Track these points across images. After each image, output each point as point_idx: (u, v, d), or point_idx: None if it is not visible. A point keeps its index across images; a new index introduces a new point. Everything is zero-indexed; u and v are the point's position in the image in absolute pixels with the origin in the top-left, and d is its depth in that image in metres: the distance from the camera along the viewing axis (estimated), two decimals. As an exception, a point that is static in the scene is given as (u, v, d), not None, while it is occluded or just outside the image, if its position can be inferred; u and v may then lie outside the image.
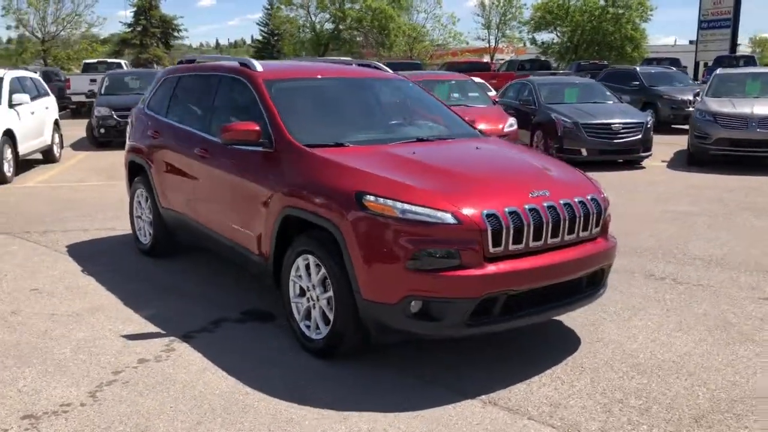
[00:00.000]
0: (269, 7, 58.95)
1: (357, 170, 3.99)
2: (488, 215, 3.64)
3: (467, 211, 3.64)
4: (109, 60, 32.85)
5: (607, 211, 4.25)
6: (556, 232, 3.86)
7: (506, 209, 3.70)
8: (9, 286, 5.53)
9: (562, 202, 3.91)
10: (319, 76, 5.34)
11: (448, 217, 3.62)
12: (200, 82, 5.67)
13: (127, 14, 53.76)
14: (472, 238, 3.61)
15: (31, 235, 7.19)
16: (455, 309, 3.62)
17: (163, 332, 4.55)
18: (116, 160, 11.47)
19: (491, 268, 3.64)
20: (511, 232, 3.68)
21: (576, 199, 4.00)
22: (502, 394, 3.71)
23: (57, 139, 13.68)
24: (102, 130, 16.11)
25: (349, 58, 6.31)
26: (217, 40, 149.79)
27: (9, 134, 11.04)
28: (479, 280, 3.61)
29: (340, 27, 50.69)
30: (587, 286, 4.18)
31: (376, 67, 5.88)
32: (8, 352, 4.23)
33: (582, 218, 3.99)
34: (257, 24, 53.13)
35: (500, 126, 11.04)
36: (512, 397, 3.68)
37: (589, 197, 4.10)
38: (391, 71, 5.78)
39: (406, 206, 3.65)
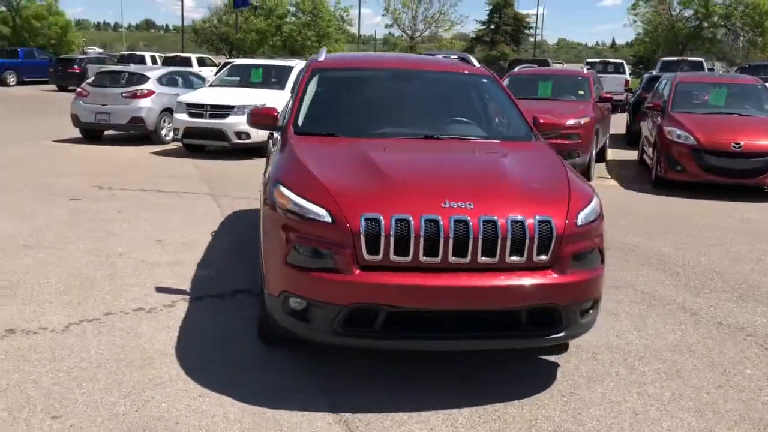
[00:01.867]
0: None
1: (298, 161, 3.94)
2: (368, 219, 3.32)
3: (346, 212, 3.36)
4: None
5: (569, 238, 3.47)
6: (462, 250, 3.33)
7: (394, 216, 3.32)
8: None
9: (483, 218, 3.34)
10: (372, 67, 5.26)
11: (324, 215, 3.40)
12: None
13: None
14: (344, 240, 3.33)
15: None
16: (322, 313, 3.40)
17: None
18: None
19: (363, 277, 3.32)
20: (392, 240, 3.30)
21: (509, 218, 3.37)
22: (367, 417, 3.38)
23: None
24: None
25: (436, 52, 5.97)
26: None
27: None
28: (346, 287, 3.33)
29: (704, 24, 45.87)
30: (533, 324, 3.49)
31: (464, 59, 5.54)
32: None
33: (510, 240, 3.35)
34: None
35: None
36: (375, 422, 3.33)
37: (536, 218, 3.41)
38: (477, 65, 5.37)
39: (297, 199, 3.52)
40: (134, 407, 3.39)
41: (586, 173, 10.70)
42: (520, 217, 3.40)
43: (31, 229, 6.65)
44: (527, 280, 3.39)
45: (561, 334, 3.56)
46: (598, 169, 11.76)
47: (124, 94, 13.79)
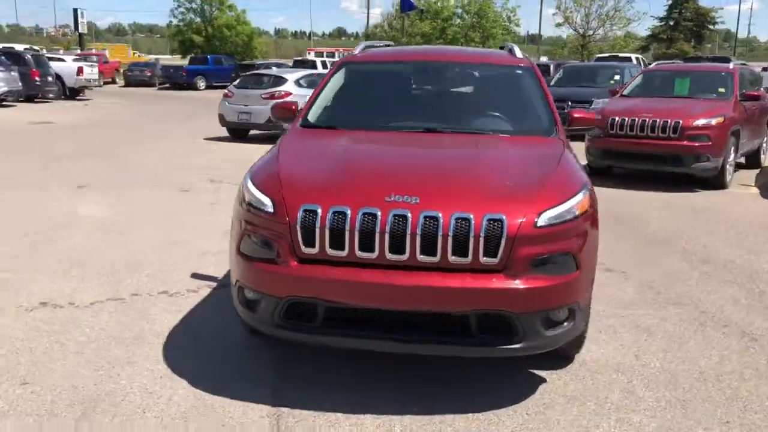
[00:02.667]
0: None
1: (276, 154, 3.93)
2: (306, 210, 3.23)
3: (287, 202, 3.30)
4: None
5: (525, 240, 3.14)
6: (399, 247, 3.13)
7: (332, 208, 3.20)
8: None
9: (424, 214, 3.13)
10: (401, 60, 5.11)
11: (268, 205, 3.36)
12: None
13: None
14: (282, 231, 3.27)
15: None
16: (265, 305, 3.35)
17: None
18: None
19: (299, 270, 3.24)
20: (327, 233, 3.18)
21: (454, 215, 3.12)
22: (302, 414, 3.29)
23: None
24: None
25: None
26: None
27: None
28: (283, 280, 3.27)
29: None
30: (484, 332, 3.21)
31: (510, 51, 5.21)
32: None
33: (452, 239, 3.10)
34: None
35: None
36: (307, 419, 3.24)
37: (485, 217, 3.13)
38: (519, 56, 5.03)
39: (253, 189, 3.52)
40: (95, 381, 3.56)
41: (718, 180, 9.66)
42: (465, 215, 3.13)
43: (121, 215, 7.25)
44: (471, 283, 3.11)
45: (517, 346, 3.23)
46: (745, 177, 10.54)
47: (263, 96, 14.59)
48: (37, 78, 24.86)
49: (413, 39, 41.28)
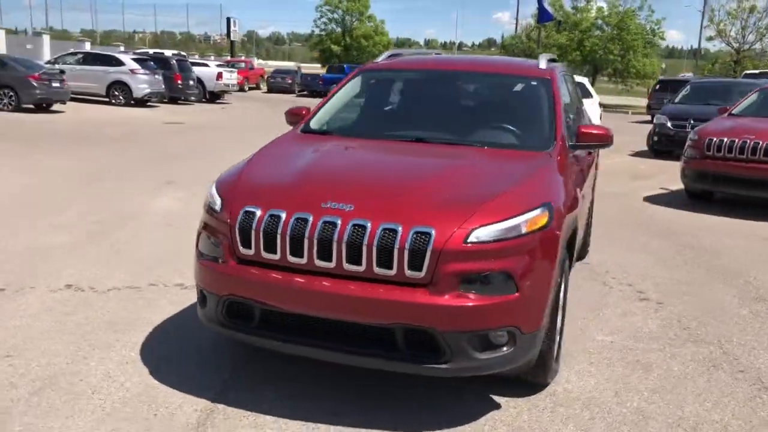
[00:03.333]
0: None
1: (253, 156, 4.01)
2: (246, 211, 3.28)
3: (231, 203, 3.38)
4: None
5: (452, 255, 3.01)
6: (327, 254, 3.10)
7: (270, 211, 3.23)
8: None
9: (353, 222, 3.08)
10: (417, 68, 5.03)
11: (217, 204, 3.45)
12: None
13: None
14: (225, 231, 3.35)
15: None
16: (210, 302, 3.44)
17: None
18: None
19: (236, 270, 3.29)
20: (261, 235, 3.21)
21: (382, 225, 3.05)
22: (234, 413, 3.34)
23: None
24: (656, 138, 16.32)
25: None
26: None
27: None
28: (221, 278, 3.35)
29: None
30: (411, 348, 3.11)
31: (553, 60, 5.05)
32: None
33: (377, 249, 3.03)
34: None
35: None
36: (234, 417, 3.28)
37: (413, 229, 3.03)
38: (543, 67, 4.81)
39: (212, 189, 3.63)
40: (68, 360, 3.80)
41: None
42: (393, 225, 3.05)
43: (190, 210, 7.62)
44: (394, 296, 3.02)
45: (444, 366, 3.09)
46: None
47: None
48: (179, 81, 26.85)
49: (548, 50, 40.31)
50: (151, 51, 35.40)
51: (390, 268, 3.04)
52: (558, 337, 3.90)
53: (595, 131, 4.27)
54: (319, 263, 3.13)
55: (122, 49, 37.92)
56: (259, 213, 3.24)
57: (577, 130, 4.29)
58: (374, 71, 5.12)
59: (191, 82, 27.55)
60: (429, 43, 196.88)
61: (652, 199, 10.04)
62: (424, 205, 3.20)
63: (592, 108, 14.38)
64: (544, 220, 3.25)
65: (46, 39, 32.39)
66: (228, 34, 55.37)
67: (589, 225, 6.04)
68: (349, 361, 3.23)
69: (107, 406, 3.36)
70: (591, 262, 6.29)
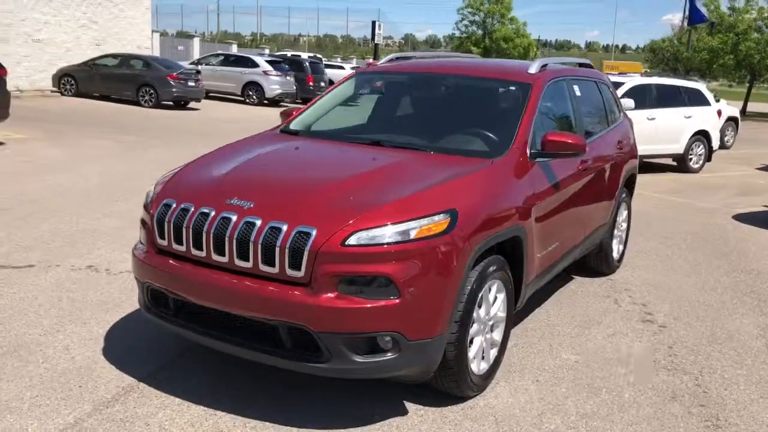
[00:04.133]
0: None
1: (203, 155, 4.23)
2: (164, 204, 3.49)
3: (155, 195, 3.60)
4: None
5: (330, 257, 3.03)
6: (220, 249, 3.24)
7: (182, 204, 3.43)
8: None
9: (246, 219, 3.20)
10: (406, 71, 5.00)
11: (148, 198, 3.68)
12: None
13: None
14: (149, 222, 3.58)
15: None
16: (138, 289, 3.70)
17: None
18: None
19: (152, 260, 3.52)
20: (172, 227, 3.41)
21: (270, 223, 3.14)
22: (150, 393, 3.57)
23: (700, 150, 13.61)
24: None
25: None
26: None
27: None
28: (142, 267, 3.58)
29: None
30: (295, 344, 3.18)
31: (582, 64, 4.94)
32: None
33: (262, 246, 3.13)
34: None
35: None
36: (148, 397, 3.51)
37: (296, 228, 3.09)
38: (532, 72, 4.62)
39: (154, 183, 3.87)
40: (42, 333, 4.20)
41: None
42: (279, 224, 3.12)
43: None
44: (275, 294, 3.10)
45: (323, 366, 3.12)
46: None
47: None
48: (311, 83, 28.05)
49: (699, 54, 37.71)
50: (289, 53, 37.09)
51: (273, 265, 3.12)
52: (494, 351, 3.81)
53: (560, 139, 4.06)
54: (215, 257, 3.27)
55: (267, 51, 40.05)
56: (173, 206, 3.44)
57: (543, 137, 4.11)
58: (367, 74, 5.17)
59: (323, 84, 28.62)
60: (590, 46, 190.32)
61: (742, 218, 9.22)
62: (320, 205, 3.24)
63: (705, 116, 13.40)
64: (441, 227, 3.18)
65: (196, 41, 35.01)
66: (372, 37, 56.72)
67: (605, 238, 5.71)
68: (245, 354, 3.33)
69: (46, 375, 3.69)
70: (615, 279, 5.95)
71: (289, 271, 3.10)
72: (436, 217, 3.20)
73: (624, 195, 5.99)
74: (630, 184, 6.22)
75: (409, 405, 3.55)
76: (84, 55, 23.77)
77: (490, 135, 4.19)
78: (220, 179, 3.63)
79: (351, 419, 3.38)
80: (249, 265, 3.18)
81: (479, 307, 3.57)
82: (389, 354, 3.14)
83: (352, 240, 3.06)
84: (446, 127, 4.40)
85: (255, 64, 25.73)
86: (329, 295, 3.05)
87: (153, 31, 28.78)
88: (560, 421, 3.48)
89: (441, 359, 3.35)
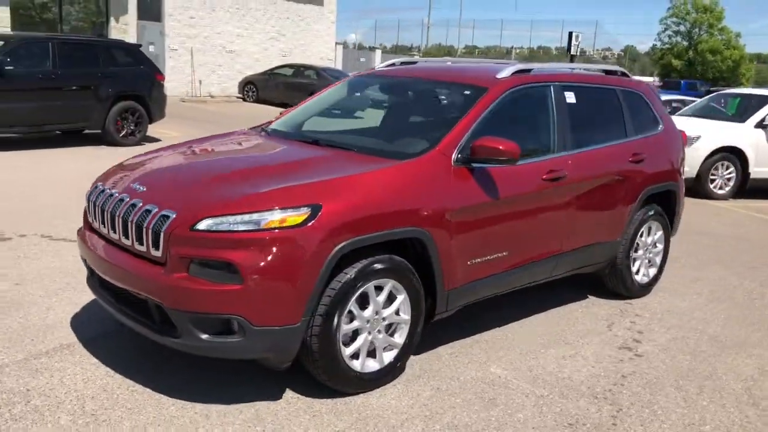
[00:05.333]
0: None
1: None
2: (95, 186, 3.96)
3: (97, 178, 4.08)
4: None
5: (180, 240, 3.29)
6: (113, 227, 3.63)
7: (104, 187, 3.88)
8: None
9: (132, 201, 3.56)
10: (387, 75, 5.05)
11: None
12: None
13: None
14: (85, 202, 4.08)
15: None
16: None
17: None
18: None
19: (82, 235, 4.01)
20: (91, 207, 3.87)
21: (145, 207, 3.47)
22: (93, 365, 4.06)
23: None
24: None
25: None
26: None
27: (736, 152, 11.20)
28: (79, 241, 4.07)
29: None
30: (160, 318, 3.48)
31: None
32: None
33: (135, 226, 3.47)
34: None
35: None
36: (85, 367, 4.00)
37: (162, 213, 3.40)
38: (501, 77, 4.50)
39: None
40: (25, 295, 4.88)
41: None
42: (151, 207, 3.44)
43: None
44: (139, 270, 3.42)
45: (176, 340, 3.39)
46: None
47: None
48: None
49: None
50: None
51: (143, 244, 3.45)
52: (391, 353, 3.83)
53: (488, 145, 3.93)
54: (111, 234, 3.67)
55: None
56: (99, 188, 3.91)
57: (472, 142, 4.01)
58: (358, 77, 5.31)
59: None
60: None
61: None
62: (193, 194, 3.51)
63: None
64: (297, 220, 3.30)
65: (377, 53, 36.59)
66: (568, 49, 55.21)
67: (619, 257, 5.30)
68: (133, 326, 3.67)
69: (14, 327, 4.32)
70: (633, 302, 5.52)
71: (152, 251, 3.41)
72: (293, 211, 3.32)
73: (651, 213, 5.50)
74: (663, 202, 5.68)
75: (289, 393, 3.68)
76: (270, 65, 26.00)
77: (423, 138, 4.17)
78: (143, 167, 4.03)
79: (222, 396, 3.59)
80: (129, 243, 3.53)
81: (362, 305, 3.61)
82: (235, 337, 3.32)
83: (201, 225, 3.29)
84: (396, 129, 4.46)
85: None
86: (180, 275, 3.30)
87: (336, 43, 30.58)
88: (420, 429, 3.41)
89: (303, 350, 3.45)
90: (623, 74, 5.67)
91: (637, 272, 5.58)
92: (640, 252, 5.57)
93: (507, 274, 4.40)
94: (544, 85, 4.73)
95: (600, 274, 5.46)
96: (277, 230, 3.28)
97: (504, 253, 4.31)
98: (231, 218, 3.29)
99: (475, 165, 4.05)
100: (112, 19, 19.83)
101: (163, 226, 3.36)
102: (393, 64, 5.46)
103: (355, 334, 3.68)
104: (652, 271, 5.75)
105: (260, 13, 26.68)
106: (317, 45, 29.29)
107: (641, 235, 5.51)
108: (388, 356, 3.84)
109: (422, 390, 3.83)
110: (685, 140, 6.06)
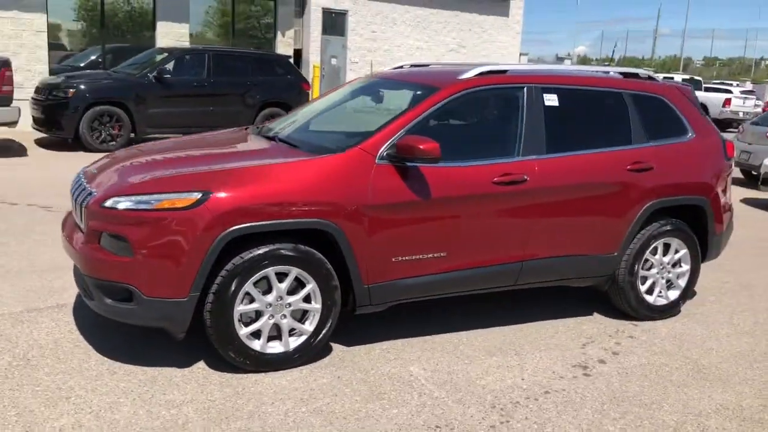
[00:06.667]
0: None
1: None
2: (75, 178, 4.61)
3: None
4: None
5: (91, 215, 3.82)
6: (78, 212, 4.19)
7: (80, 170, 4.52)
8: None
9: (88, 188, 4.06)
10: (382, 77, 5.17)
11: None
12: None
13: None
14: None
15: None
16: None
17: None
18: None
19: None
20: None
21: (89, 189, 4.01)
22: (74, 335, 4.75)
23: None
24: None
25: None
26: None
27: None
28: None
29: None
30: (84, 284, 4.00)
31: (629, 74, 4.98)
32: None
33: (79, 205, 4.02)
34: None
35: None
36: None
37: (91, 191, 3.94)
38: (463, 78, 4.45)
39: None
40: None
41: None
42: (91, 190, 3.98)
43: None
44: (75, 243, 3.97)
45: (92, 303, 3.88)
46: None
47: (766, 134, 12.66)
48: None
49: None
50: (679, 77, 34.64)
51: (81, 220, 4.00)
52: (299, 338, 4.03)
53: (409, 143, 3.94)
54: (75, 215, 4.27)
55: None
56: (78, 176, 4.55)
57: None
58: (357, 81, 5.48)
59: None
60: None
61: None
62: (122, 177, 4.00)
63: None
64: (186, 203, 3.64)
65: (566, 63, 35.51)
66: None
67: (620, 274, 4.93)
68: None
69: (19, 273, 5.15)
70: (640, 324, 5.07)
71: (81, 225, 3.95)
72: (184, 195, 3.67)
73: (668, 229, 5.02)
74: (690, 218, 5.16)
75: (199, 364, 4.01)
76: (447, 76, 26.48)
77: (358, 135, 4.28)
78: (120, 159, 4.60)
79: (141, 359, 4.01)
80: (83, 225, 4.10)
81: (264, 290, 3.86)
82: (132, 304, 3.74)
83: (108, 203, 3.76)
84: (347, 128, 4.60)
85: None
86: (92, 246, 3.81)
87: (521, 54, 30.27)
88: (286, 408, 3.57)
89: (199, 324, 3.79)
90: (646, 77, 5.25)
91: (649, 292, 5.12)
92: (654, 271, 5.11)
93: (448, 275, 4.34)
94: (514, 86, 4.59)
95: (600, 289, 5.11)
96: (166, 211, 3.65)
97: (441, 254, 4.27)
98: (129, 197, 3.73)
99: (406, 164, 4.09)
100: (279, 33, 21.54)
101: (85, 202, 3.88)
102: (401, 67, 5.58)
103: (259, 315, 3.92)
104: (673, 294, 5.23)
105: (441, 25, 27.30)
106: (499, 56, 29.23)
107: (654, 252, 5.06)
108: (295, 341, 4.02)
109: (322, 376, 3.96)
110: (732, 152, 5.41)
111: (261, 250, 3.80)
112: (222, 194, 3.69)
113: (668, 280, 5.21)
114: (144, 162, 4.31)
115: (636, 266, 4.98)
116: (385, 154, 4.08)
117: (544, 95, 4.65)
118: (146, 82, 12.17)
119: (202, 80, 12.74)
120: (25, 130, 12.37)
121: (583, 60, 68.77)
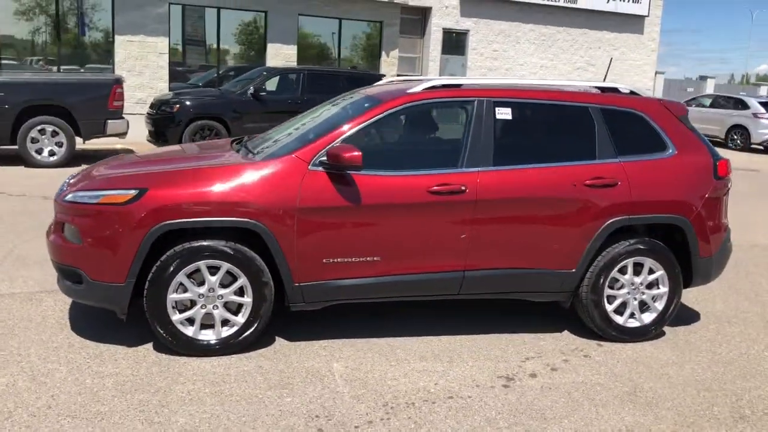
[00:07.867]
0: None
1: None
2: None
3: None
4: None
5: (57, 207, 4.43)
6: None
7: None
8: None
9: (63, 188, 4.71)
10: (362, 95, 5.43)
11: None
12: None
13: None
14: None
15: None
16: None
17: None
18: None
19: None
20: None
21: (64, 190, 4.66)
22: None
23: None
24: None
25: None
26: None
27: None
28: None
29: None
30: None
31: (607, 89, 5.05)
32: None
33: (55, 204, 4.68)
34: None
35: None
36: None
37: (63, 188, 4.56)
38: (413, 91, 4.63)
39: None
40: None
41: None
42: (65, 189, 4.60)
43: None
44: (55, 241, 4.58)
45: (59, 284, 4.49)
46: None
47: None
48: None
49: None
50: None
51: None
52: (231, 329, 4.40)
53: (335, 152, 4.19)
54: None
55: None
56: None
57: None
58: (347, 95, 5.75)
59: None
60: None
61: None
62: (91, 176, 4.58)
63: None
64: (122, 199, 4.14)
65: (710, 82, 33.08)
66: None
67: (582, 292, 4.84)
68: None
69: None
70: (605, 344, 4.93)
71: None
72: (123, 191, 4.18)
73: (640, 248, 4.83)
74: (668, 238, 4.95)
75: (146, 345, 4.49)
76: (573, 95, 25.82)
77: (300, 143, 4.58)
78: (100, 164, 5.19)
79: (103, 337, 4.56)
80: (68, 217, 4.74)
81: (199, 281, 4.28)
82: (81, 286, 4.29)
83: (69, 197, 4.35)
84: (299, 136, 4.87)
85: (745, 106, 23.47)
86: (58, 234, 4.42)
87: (657, 73, 28.89)
88: (188, 389, 3.93)
89: (137, 309, 4.28)
90: (627, 92, 5.11)
91: (619, 313, 4.96)
92: (624, 291, 4.94)
93: (383, 279, 4.52)
94: (462, 100, 4.69)
95: (563, 306, 5.03)
96: (107, 206, 4.18)
97: (375, 258, 4.47)
98: (82, 193, 4.29)
99: (339, 171, 4.35)
100: (383, 53, 22.16)
101: (56, 197, 4.51)
102: (392, 82, 5.86)
103: (193, 304, 4.34)
104: (648, 317, 5.02)
105: (568, 43, 26.76)
106: (632, 75, 28.11)
107: (623, 272, 4.90)
108: (228, 331, 4.39)
109: (246, 364, 4.28)
110: (725, 171, 5.09)
111: (193, 244, 4.22)
112: (156, 192, 4.16)
113: (642, 302, 5.01)
114: (113, 165, 4.89)
115: (600, 284, 4.86)
116: (318, 161, 4.36)
117: (497, 109, 4.70)
118: (244, 98, 13.17)
119: (296, 98, 13.55)
120: (144, 142, 13.80)
121: (763, 78, 63.20)
